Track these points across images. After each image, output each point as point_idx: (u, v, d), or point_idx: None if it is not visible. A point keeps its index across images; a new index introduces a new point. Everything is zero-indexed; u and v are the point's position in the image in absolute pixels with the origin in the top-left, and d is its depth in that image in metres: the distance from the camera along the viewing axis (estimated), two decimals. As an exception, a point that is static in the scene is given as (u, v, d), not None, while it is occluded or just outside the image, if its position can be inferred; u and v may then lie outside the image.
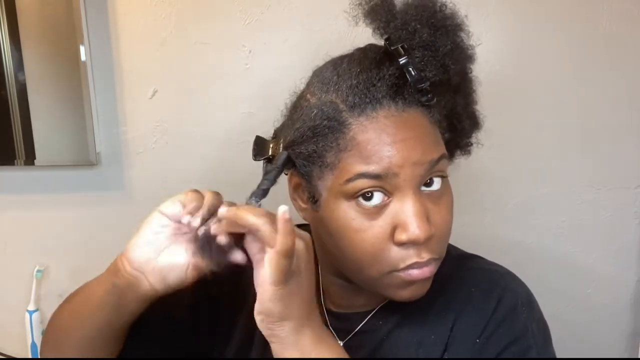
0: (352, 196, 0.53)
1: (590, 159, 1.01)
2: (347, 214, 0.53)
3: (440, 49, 0.53)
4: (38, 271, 1.05)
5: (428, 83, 0.53)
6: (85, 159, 0.98)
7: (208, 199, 0.56)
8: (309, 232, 0.63)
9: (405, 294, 0.56)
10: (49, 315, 1.09)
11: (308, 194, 0.58)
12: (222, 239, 0.52)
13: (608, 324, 1.08)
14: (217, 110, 0.99)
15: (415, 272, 0.53)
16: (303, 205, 0.60)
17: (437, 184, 0.54)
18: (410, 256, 0.53)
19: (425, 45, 0.53)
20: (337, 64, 0.57)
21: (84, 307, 0.60)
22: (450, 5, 0.55)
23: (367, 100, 0.52)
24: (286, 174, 0.61)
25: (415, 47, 0.53)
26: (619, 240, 1.04)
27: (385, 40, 0.55)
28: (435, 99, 0.54)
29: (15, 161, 0.98)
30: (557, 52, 0.97)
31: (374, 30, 0.55)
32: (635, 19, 0.95)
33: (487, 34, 0.94)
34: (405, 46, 0.53)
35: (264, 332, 0.51)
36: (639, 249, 1.04)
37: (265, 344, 0.54)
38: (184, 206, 0.55)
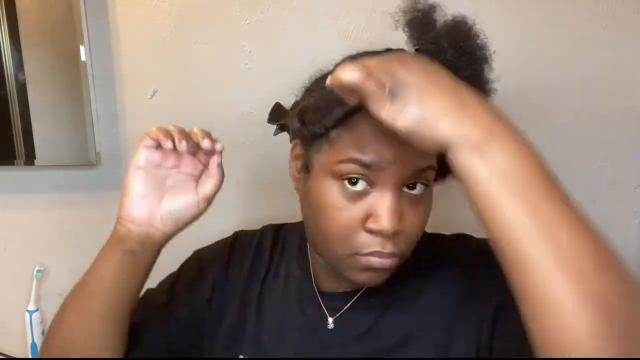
0: (339, 177, 0.56)
1: (589, 159, 1.01)
2: (331, 191, 0.57)
3: (458, 73, 0.53)
4: (38, 271, 1.05)
5: None
6: (85, 159, 0.98)
7: (171, 129, 0.59)
8: (302, 229, 0.69)
9: (362, 278, 0.59)
10: (49, 315, 1.09)
11: (303, 163, 0.62)
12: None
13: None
14: (217, 110, 0.99)
15: (375, 260, 0.57)
16: (297, 175, 0.64)
17: (419, 189, 0.58)
18: (375, 244, 0.56)
19: (446, 65, 0.53)
20: (366, 56, 0.58)
21: (96, 291, 0.61)
22: (483, 37, 0.57)
23: None
24: (291, 142, 0.65)
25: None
26: (619, 240, 1.04)
27: (415, 50, 0.57)
28: None
29: (15, 161, 0.98)
30: (557, 52, 0.97)
31: (408, 38, 0.56)
32: (635, 19, 0.95)
33: (487, 34, 0.94)
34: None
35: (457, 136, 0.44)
36: (639, 249, 1.04)
37: (258, 329, 0.60)
38: (156, 140, 0.59)
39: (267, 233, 0.74)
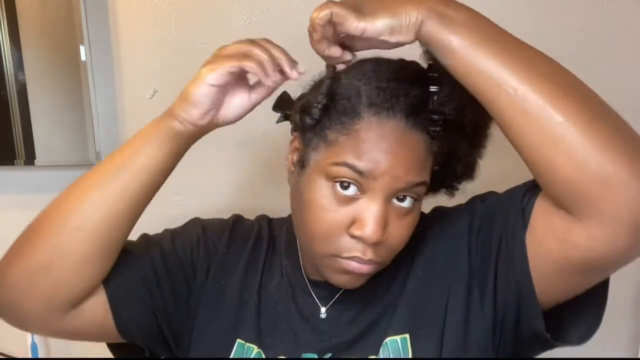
0: (332, 178, 0.57)
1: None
2: (321, 190, 0.58)
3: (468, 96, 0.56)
4: (38, 271, 1.05)
5: (442, 118, 0.57)
6: (85, 159, 0.98)
7: (264, 59, 0.56)
8: (288, 225, 0.71)
9: (339, 279, 0.61)
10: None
11: (299, 157, 0.62)
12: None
13: (608, 325, 1.08)
14: (217, 110, 0.99)
15: (353, 265, 0.58)
16: (292, 168, 0.64)
17: (408, 202, 0.59)
18: (356, 250, 0.58)
19: (456, 85, 0.55)
20: (379, 62, 0.60)
21: (136, 177, 0.59)
22: None
23: (387, 106, 0.56)
24: (292, 134, 0.65)
25: (449, 83, 0.56)
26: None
27: (429, 65, 0.58)
28: (440, 133, 0.58)
29: (15, 161, 0.98)
30: (557, 52, 0.97)
31: (423, 52, 0.57)
32: (635, 19, 0.95)
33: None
34: (441, 78, 0.57)
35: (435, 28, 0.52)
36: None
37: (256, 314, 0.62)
38: (245, 69, 0.56)
39: (262, 224, 0.74)
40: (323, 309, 0.66)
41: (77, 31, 0.93)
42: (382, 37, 0.52)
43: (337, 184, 0.57)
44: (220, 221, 0.74)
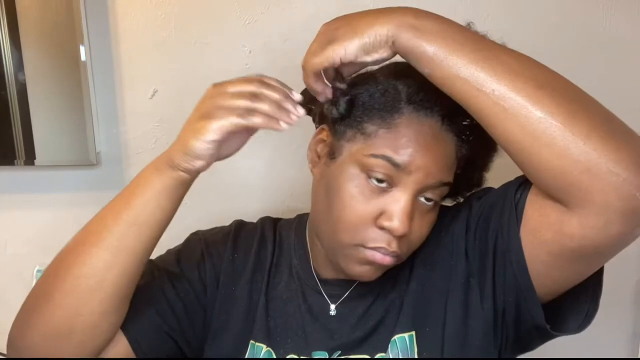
0: (367, 169, 0.59)
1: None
2: (354, 180, 0.60)
3: None
4: (38, 271, 1.05)
5: (473, 123, 0.58)
6: (85, 159, 0.98)
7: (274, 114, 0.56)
8: (304, 222, 0.72)
9: (359, 270, 0.62)
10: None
11: (329, 149, 0.63)
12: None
13: (608, 324, 1.08)
14: (217, 110, 0.99)
15: (377, 256, 0.60)
16: (316, 159, 0.66)
17: (432, 201, 0.61)
18: (382, 241, 0.59)
19: None
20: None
21: (141, 222, 0.59)
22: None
23: (426, 105, 0.59)
24: (317, 127, 0.67)
25: None
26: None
27: None
28: (470, 138, 0.62)
29: (15, 161, 0.98)
30: (557, 52, 0.97)
31: None
32: (635, 19, 0.95)
33: (486, 34, 0.94)
34: None
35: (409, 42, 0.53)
36: (639, 249, 1.04)
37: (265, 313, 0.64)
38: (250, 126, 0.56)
39: (266, 225, 0.75)
40: (332, 306, 0.67)
41: (77, 31, 0.93)
42: (359, 59, 0.54)
43: (370, 176, 0.59)
44: (221, 230, 0.75)
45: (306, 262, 0.70)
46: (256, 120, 0.55)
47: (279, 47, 0.97)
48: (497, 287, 0.61)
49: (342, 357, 0.64)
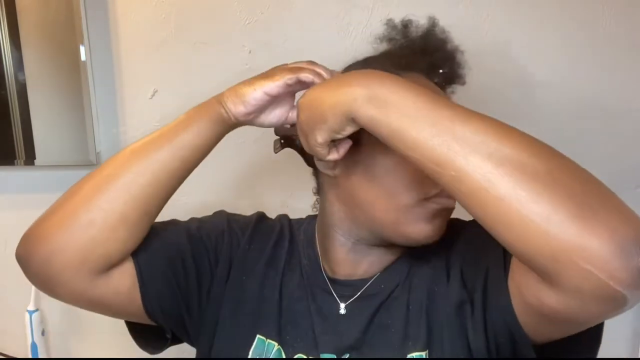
0: None
1: (589, 159, 1.01)
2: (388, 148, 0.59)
3: (436, 72, 0.66)
4: (38, 271, 1.04)
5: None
6: (85, 159, 0.98)
7: (321, 72, 0.63)
8: (313, 223, 0.73)
9: (426, 229, 0.62)
10: (49, 315, 1.09)
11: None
12: None
13: (608, 324, 1.08)
14: (217, 110, 0.99)
15: (444, 200, 0.60)
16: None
17: None
18: (437, 185, 0.58)
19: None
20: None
21: (184, 155, 0.65)
22: (452, 40, 0.69)
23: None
24: None
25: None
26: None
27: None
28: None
29: (15, 161, 0.98)
30: (557, 53, 0.97)
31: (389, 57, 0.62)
32: (635, 19, 0.95)
33: (486, 34, 0.94)
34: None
35: (366, 114, 0.53)
36: (639, 249, 1.04)
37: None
38: (304, 80, 0.62)
39: (284, 222, 0.76)
40: (342, 305, 0.67)
41: (77, 31, 0.93)
42: (334, 139, 0.56)
43: None
44: (244, 217, 0.76)
45: (315, 263, 0.70)
46: (304, 74, 0.61)
47: (279, 47, 0.97)
48: (489, 323, 0.58)
49: (350, 359, 0.64)
